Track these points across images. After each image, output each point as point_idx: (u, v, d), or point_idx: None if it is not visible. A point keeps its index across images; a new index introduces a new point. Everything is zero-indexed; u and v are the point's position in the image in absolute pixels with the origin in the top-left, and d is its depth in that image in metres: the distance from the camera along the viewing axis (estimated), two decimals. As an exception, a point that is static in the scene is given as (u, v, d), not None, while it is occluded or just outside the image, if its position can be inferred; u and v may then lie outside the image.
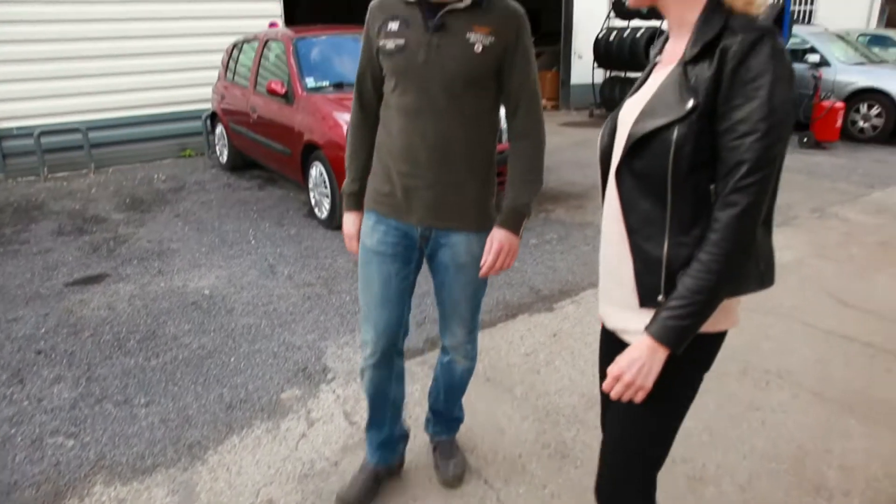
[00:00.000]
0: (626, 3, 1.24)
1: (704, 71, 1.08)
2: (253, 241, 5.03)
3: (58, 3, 6.98)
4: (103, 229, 5.43)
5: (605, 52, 10.63)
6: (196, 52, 7.71)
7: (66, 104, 7.31)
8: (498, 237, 1.83)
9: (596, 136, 8.72)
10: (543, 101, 8.95)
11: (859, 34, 11.42)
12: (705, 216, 1.12)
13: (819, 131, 8.25)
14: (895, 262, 4.39)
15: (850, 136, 8.81)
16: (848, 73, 8.87)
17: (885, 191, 6.24)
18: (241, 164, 7.30)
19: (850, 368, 3.00)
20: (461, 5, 1.69)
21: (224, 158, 7.51)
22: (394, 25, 1.75)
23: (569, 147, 8.64)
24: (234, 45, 7.05)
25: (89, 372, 3.10)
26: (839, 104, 8.23)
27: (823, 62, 8.91)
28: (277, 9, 8.15)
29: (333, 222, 5.16)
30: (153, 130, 7.88)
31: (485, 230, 1.87)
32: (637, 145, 1.15)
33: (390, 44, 1.74)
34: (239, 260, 4.63)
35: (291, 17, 8.95)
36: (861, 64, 9.21)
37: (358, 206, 2.00)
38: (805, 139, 8.33)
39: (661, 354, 1.14)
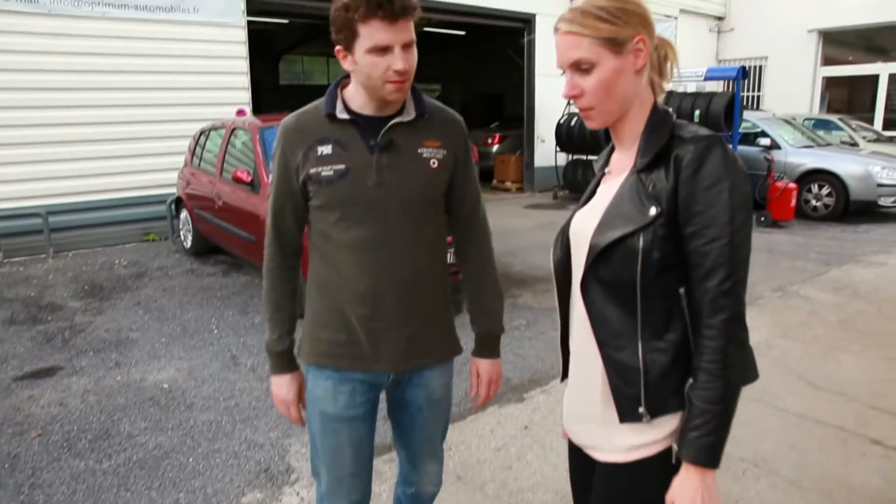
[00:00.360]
0: (587, 126, 1.26)
1: (662, 179, 1.12)
2: (216, 331, 4.89)
3: (18, 90, 7.00)
4: (59, 318, 5.23)
5: (567, 136, 11.01)
6: (163, 137, 7.74)
7: (26, 188, 7.20)
8: (485, 368, 1.75)
9: (560, 218, 8.88)
10: (509, 184, 9.08)
11: (804, 118, 12.07)
12: (677, 318, 1.14)
13: (775, 211, 8.56)
14: (857, 340, 4.46)
15: (805, 214, 9.16)
16: (798, 155, 9.31)
17: (841, 268, 6.43)
18: (205, 249, 7.21)
19: (825, 454, 2.96)
20: (406, 118, 1.54)
21: (188, 243, 7.42)
22: (325, 149, 1.51)
23: (534, 229, 8.78)
24: (202, 132, 7.11)
25: (34, 478, 2.89)
26: (792, 185, 8.59)
27: (774, 145, 9.35)
28: (245, 97, 8.29)
29: (300, 310, 5.06)
30: (116, 215, 7.79)
31: (455, 354, 1.75)
32: (601, 256, 1.15)
33: (326, 170, 1.50)
34: (200, 351, 4.47)
35: (259, 105, 9.10)
36: (809, 147, 9.69)
37: (293, 365, 1.70)
38: (763, 218, 8.61)
39: (710, 476, 1.12)
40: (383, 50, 1.39)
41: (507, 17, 11.69)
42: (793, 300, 5.42)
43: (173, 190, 7.73)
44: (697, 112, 8.99)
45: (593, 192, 1.31)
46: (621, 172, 1.22)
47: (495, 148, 13.71)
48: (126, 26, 7.43)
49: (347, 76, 1.56)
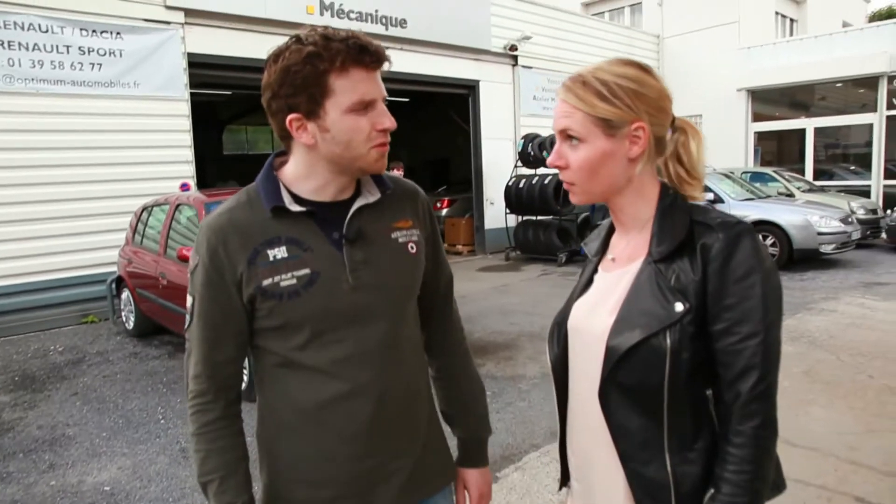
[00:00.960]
0: (571, 200, 1.15)
1: (687, 270, 1.01)
2: (162, 420, 4.53)
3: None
4: (-16, 416, 4.78)
5: (516, 198, 11.13)
6: (102, 214, 7.42)
7: (-50, 274, 6.74)
8: (474, 480, 1.48)
9: (515, 279, 8.80)
10: (460, 247, 8.94)
11: (742, 172, 12.57)
12: (705, 423, 1.02)
13: (724, 263, 8.73)
14: (823, 391, 4.46)
15: (752, 265, 9.36)
16: (740, 207, 9.59)
17: (794, 317, 6.52)
18: (150, 329, 6.83)
19: (814, 520, 2.86)
20: (371, 199, 1.26)
21: (130, 324, 7.02)
22: (278, 251, 1.18)
23: (490, 293, 8.68)
24: (144, 209, 6.84)
25: None
26: (738, 237, 8.81)
27: (717, 199, 9.65)
28: (190, 170, 8.08)
29: (252, 394, 4.77)
30: (51, 297, 7.34)
31: (455, 475, 1.48)
32: (623, 359, 1.02)
33: (286, 279, 1.17)
34: (146, 445, 4.11)
35: (202, 176, 8.89)
36: (750, 199, 10.04)
37: None
38: (712, 271, 8.76)
39: None
40: (367, 106, 1.14)
41: (451, 84, 11.91)
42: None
43: (113, 269, 7.36)
44: (642, 170, 9.19)
45: (590, 281, 1.19)
46: (630, 261, 1.10)
47: (444, 212, 13.74)
48: (62, 102, 7.19)
49: (280, 154, 1.27)
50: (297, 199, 1.21)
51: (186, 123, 8.06)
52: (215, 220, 1.20)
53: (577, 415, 1.15)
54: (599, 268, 1.19)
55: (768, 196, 10.69)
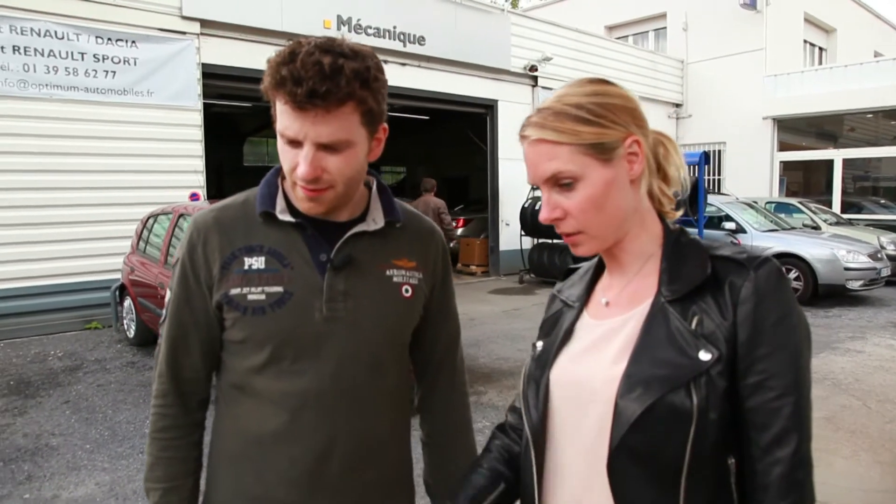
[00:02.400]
0: (575, 253, 0.97)
1: (713, 312, 0.85)
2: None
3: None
4: (-28, 421, 4.67)
5: (532, 220, 10.93)
6: (110, 221, 7.36)
7: (-45, 275, 6.71)
8: None
9: (527, 303, 8.58)
10: (473, 267, 8.75)
11: (766, 202, 12.27)
12: (724, 501, 0.85)
13: (744, 295, 8.43)
14: (847, 441, 4.16)
15: (773, 298, 9.04)
16: (763, 239, 9.32)
17: (818, 357, 6.21)
18: (151, 338, 6.72)
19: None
20: (372, 227, 1.15)
21: (132, 333, 6.94)
22: (255, 261, 1.10)
23: (499, 317, 8.46)
24: (150, 217, 6.78)
25: None
26: (759, 269, 8.51)
27: (739, 229, 9.36)
28: (200, 180, 8.01)
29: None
30: (56, 301, 7.29)
31: None
32: (638, 422, 0.83)
33: (255, 293, 1.08)
34: (128, 460, 3.95)
35: (222, 188, 8.83)
36: (774, 230, 9.74)
37: None
38: (731, 303, 8.47)
39: None
40: (292, 142, 1.01)
41: (469, 103, 11.82)
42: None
43: (119, 276, 7.30)
44: (662, 196, 8.96)
45: (570, 330, 0.99)
46: (631, 305, 0.93)
47: (460, 231, 13.59)
48: (75, 108, 7.18)
49: None
50: (293, 211, 1.12)
51: (198, 133, 8.02)
52: (202, 216, 1.14)
53: (561, 490, 0.94)
54: (585, 315, 1.00)
55: (793, 228, 10.38)
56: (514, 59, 11.85)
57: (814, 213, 11.91)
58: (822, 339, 6.96)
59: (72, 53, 7.08)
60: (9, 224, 6.97)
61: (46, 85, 6.97)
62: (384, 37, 9.82)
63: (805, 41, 16.69)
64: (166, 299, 1.17)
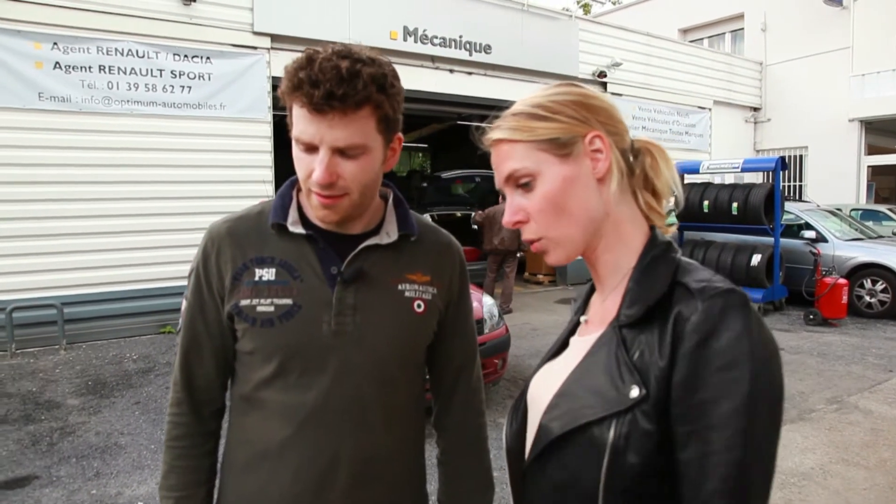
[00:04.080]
0: (548, 261, 0.92)
1: (653, 344, 0.75)
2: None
3: (43, 184, 7.08)
4: (53, 417, 4.96)
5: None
6: (184, 230, 7.68)
7: (42, 280, 7.16)
8: None
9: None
10: (541, 277, 8.67)
11: (851, 209, 11.55)
12: None
13: (825, 308, 7.94)
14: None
15: (858, 311, 8.49)
16: (846, 248, 8.77)
17: (905, 376, 5.77)
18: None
19: None
20: (385, 240, 1.14)
21: (202, 337, 7.21)
22: (266, 273, 1.10)
23: (555, 328, 8.25)
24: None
25: None
26: (842, 280, 8.01)
27: (820, 238, 8.84)
28: (269, 190, 8.25)
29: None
30: (132, 306, 7.66)
31: None
32: (554, 445, 0.78)
33: (264, 304, 1.09)
34: (187, 461, 4.09)
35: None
36: (858, 239, 9.15)
37: None
38: (812, 316, 8.00)
39: None
40: (308, 147, 1.02)
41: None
42: (851, 414, 4.79)
43: (192, 282, 7.61)
44: (735, 204, 8.58)
45: (564, 344, 0.95)
46: (600, 325, 0.87)
47: (527, 239, 13.42)
48: (153, 122, 7.55)
49: None
50: (305, 223, 1.13)
51: (268, 144, 8.28)
52: (216, 226, 1.15)
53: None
54: (577, 330, 0.96)
55: (880, 236, 9.71)
56: (582, 65, 11.64)
57: (906, 221, 11.13)
58: (912, 356, 6.47)
59: (151, 70, 7.46)
60: (93, 233, 7.39)
61: (128, 101, 7.37)
62: (450, 46, 9.87)
63: (897, 38, 15.64)
64: (182, 308, 1.18)
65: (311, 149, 1.02)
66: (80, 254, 7.35)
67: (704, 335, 0.72)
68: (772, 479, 0.72)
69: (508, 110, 0.89)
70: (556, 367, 0.91)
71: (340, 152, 1.01)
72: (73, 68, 7.05)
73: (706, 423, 0.70)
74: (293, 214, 1.13)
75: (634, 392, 0.74)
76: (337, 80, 0.96)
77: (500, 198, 8.77)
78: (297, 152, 1.04)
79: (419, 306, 1.15)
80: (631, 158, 0.88)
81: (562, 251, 0.87)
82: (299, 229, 1.11)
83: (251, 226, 1.14)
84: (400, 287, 1.14)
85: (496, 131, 0.88)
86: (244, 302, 1.09)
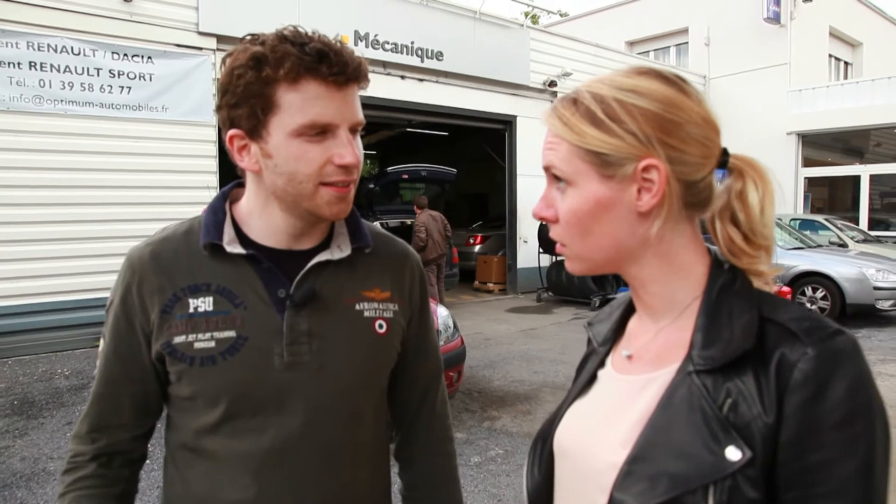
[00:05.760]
0: (567, 268, 0.80)
1: (752, 397, 0.64)
2: (148, 461, 4.23)
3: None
4: (-27, 442, 4.58)
5: (549, 238, 10.71)
6: (123, 237, 7.30)
7: (-37, 291, 6.69)
8: None
9: (544, 322, 8.40)
10: (491, 285, 8.72)
11: (791, 218, 11.97)
12: None
13: (769, 316, 8.17)
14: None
15: (800, 319, 8.75)
16: (788, 257, 9.05)
17: (849, 382, 5.92)
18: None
19: None
20: (337, 255, 1.01)
21: (141, 350, 6.87)
22: (202, 303, 0.95)
23: (516, 337, 8.25)
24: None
25: None
26: (785, 288, 8.26)
27: (763, 247, 9.10)
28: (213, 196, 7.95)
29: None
30: (64, 318, 7.23)
31: None
32: None
33: (203, 339, 0.93)
34: (124, 487, 3.82)
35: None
36: (799, 248, 9.47)
37: None
38: (757, 324, 8.21)
39: None
40: (322, 132, 0.89)
41: (487, 119, 11.70)
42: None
43: (129, 292, 7.25)
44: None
45: (593, 377, 0.82)
46: (656, 364, 0.74)
47: (477, 248, 13.47)
48: (89, 123, 7.16)
49: (240, 184, 1.03)
50: (244, 241, 0.98)
51: (213, 149, 7.97)
52: (137, 252, 0.99)
53: None
54: (608, 363, 0.82)
55: (819, 245, 10.08)
56: (533, 74, 11.74)
57: (840, 230, 11.60)
58: (854, 363, 6.69)
59: (87, 69, 7.08)
60: (19, 240, 6.95)
61: (62, 100, 6.96)
62: (402, 52, 9.77)
63: (830, 55, 16.41)
64: (99, 349, 1.01)
65: (324, 134, 0.89)
66: (5, 262, 6.90)
67: (818, 386, 0.62)
68: None
69: (574, 91, 0.75)
70: (593, 409, 0.78)
71: (353, 131, 0.93)
72: (0, 63, 6.61)
73: (822, 490, 0.61)
74: (229, 232, 0.97)
75: (734, 454, 0.63)
76: (349, 52, 0.90)
77: (422, 206, 8.88)
78: (297, 146, 0.89)
79: (381, 326, 1.02)
80: (717, 179, 0.75)
81: (579, 266, 0.77)
82: (238, 249, 0.96)
83: (179, 248, 0.98)
84: (358, 307, 1.01)
85: (551, 114, 0.75)
86: (178, 339, 0.93)
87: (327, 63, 0.87)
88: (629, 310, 0.84)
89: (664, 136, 0.70)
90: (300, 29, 0.91)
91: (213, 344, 0.93)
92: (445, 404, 1.21)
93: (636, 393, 0.73)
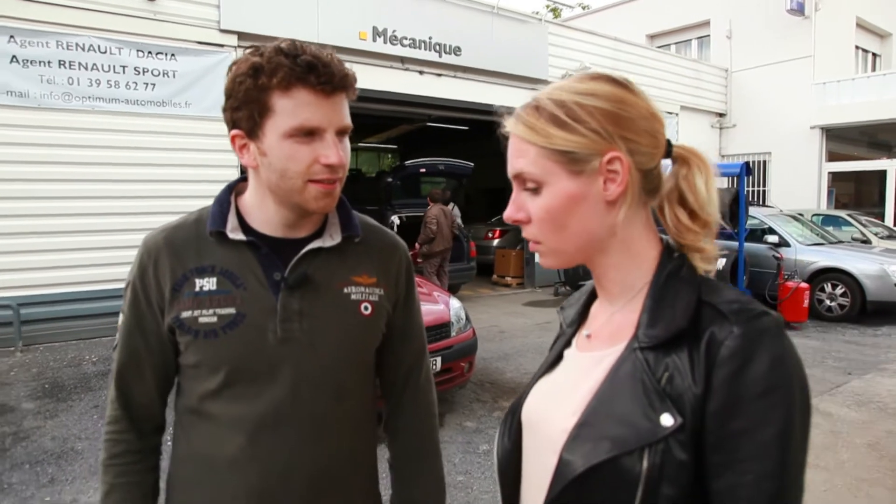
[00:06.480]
0: (541, 264, 0.89)
1: (685, 371, 0.72)
2: (169, 442, 4.40)
3: (-1, 182, 6.87)
4: (6, 421, 4.79)
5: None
6: (147, 229, 7.50)
7: (-2, 280, 6.94)
8: None
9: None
10: (509, 279, 8.78)
11: (813, 214, 11.84)
12: None
13: (787, 312, 8.10)
14: (891, 470, 3.90)
15: (819, 315, 8.69)
16: (808, 253, 8.98)
17: (863, 378, 5.90)
18: (182, 345, 6.85)
19: None
20: (328, 243, 1.12)
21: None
22: (207, 282, 1.07)
23: (531, 330, 8.32)
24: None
25: None
26: (804, 285, 8.19)
27: (783, 242, 9.03)
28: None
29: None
30: (93, 307, 7.46)
31: None
32: (579, 480, 0.74)
33: (206, 315, 1.06)
34: (146, 467, 3.99)
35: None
36: (820, 244, 9.37)
37: None
38: (773, 319, 8.16)
39: None
40: (310, 134, 1.00)
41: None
42: (812, 417, 4.86)
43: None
44: (700, 208, 8.72)
45: (559, 357, 0.91)
46: (610, 342, 0.83)
47: (496, 242, 13.49)
48: (115, 119, 7.37)
49: (244, 178, 1.16)
50: (246, 229, 1.11)
51: (235, 144, 8.15)
52: (152, 237, 1.13)
53: None
54: (574, 343, 0.91)
55: (840, 241, 9.97)
56: (551, 68, 11.71)
57: (864, 226, 11.44)
58: (869, 359, 6.63)
59: (114, 67, 7.28)
60: (50, 232, 7.19)
61: (89, 97, 7.18)
62: (420, 47, 9.84)
63: (857, 47, 16.07)
64: (119, 322, 1.14)
65: (311, 136, 1.01)
66: (38, 253, 7.14)
67: (741, 361, 0.69)
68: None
69: (533, 100, 0.82)
70: (557, 384, 0.87)
71: (339, 133, 1.04)
72: (31, 63, 6.84)
73: (742, 454, 0.68)
74: (232, 221, 1.10)
75: (667, 420, 0.71)
76: (334, 64, 1.00)
77: (439, 200, 8.97)
78: (288, 146, 1.00)
79: (366, 308, 1.14)
80: (665, 167, 0.84)
81: (554, 260, 0.85)
82: (239, 236, 1.09)
83: (189, 235, 1.11)
84: (346, 290, 1.13)
85: (514, 122, 0.82)
86: (185, 314, 1.06)
87: (315, 73, 0.98)
88: (593, 295, 0.94)
89: (622, 131, 0.78)
90: (296, 42, 1.02)
91: (215, 319, 1.05)
92: (430, 382, 1.31)
93: (590, 368, 0.82)
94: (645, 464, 0.70)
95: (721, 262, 8.48)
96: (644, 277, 0.82)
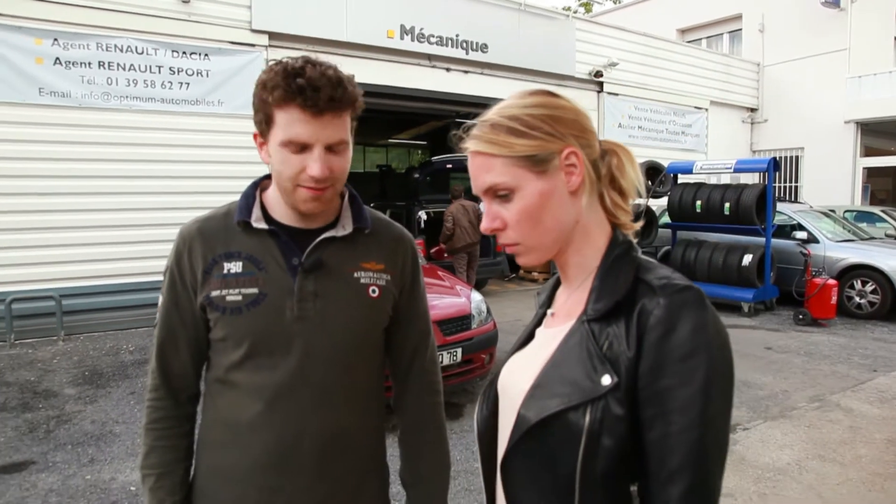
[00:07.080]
0: (519, 263, 1.00)
1: (621, 336, 0.84)
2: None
3: (42, 178, 7.19)
4: (50, 406, 5.05)
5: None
6: (181, 224, 7.77)
7: (41, 272, 7.26)
8: None
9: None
10: (535, 274, 8.75)
11: (845, 210, 11.62)
12: None
13: (815, 308, 8.02)
14: (908, 464, 3.91)
15: (848, 312, 8.56)
16: (837, 249, 8.84)
17: (889, 375, 5.85)
18: (214, 335, 7.07)
19: None
20: (341, 233, 1.26)
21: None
22: (233, 266, 1.22)
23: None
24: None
25: None
26: (832, 281, 8.07)
27: (811, 239, 8.92)
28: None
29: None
30: (130, 299, 7.75)
31: None
32: (532, 432, 0.86)
33: (233, 294, 1.20)
34: (179, 449, 4.18)
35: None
36: (850, 241, 9.23)
37: None
38: (801, 316, 8.08)
39: None
40: (301, 147, 1.13)
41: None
42: (832, 412, 4.88)
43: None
44: (727, 205, 8.67)
45: (531, 335, 1.04)
46: (567, 318, 0.95)
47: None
48: (151, 117, 7.65)
49: (269, 175, 1.29)
50: (268, 219, 1.25)
51: (266, 141, 8.36)
52: (187, 227, 1.28)
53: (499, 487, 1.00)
54: (544, 322, 1.04)
55: (872, 238, 9.78)
56: (579, 65, 11.72)
57: (899, 222, 11.20)
58: (897, 356, 6.56)
59: (150, 67, 7.55)
60: (92, 226, 7.50)
61: (127, 97, 7.46)
62: (447, 45, 9.95)
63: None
64: (159, 303, 1.30)
65: (303, 149, 1.13)
66: (79, 247, 7.45)
67: (666, 328, 0.80)
68: (726, 452, 0.81)
69: (485, 118, 0.93)
70: (525, 357, 0.98)
71: (330, 148, 1.14)
72: (72, 64, 7.14)
73: (669, 407, 0.79)
74: (257, 212, 1.24)
75: (606, 380, 0.82)
76: (331, 86, 1.10)
77: (458, 196, 9.05)
78: (282, 154, 1.14)
79: (374, 291, 1.27)
80: (600, 163, 0.95)
81: (534, 256, 0.95)
82: (262, 225, 1.23)
83: (219, 224, 1.26)
84: (356, 275, 1.26)
85: (474, 142, 0.93)
86: (215, 293, 1.20)
87: (304, 96, 1.09)
88: (559, 280, 1.06)
89: (570, 130, 0.91)
90: (309, 62, 1.13)
91: (240, 298, 1.20)
92: (434, 362, 1.44)
93: (549, 341, 0.95)
94: (587, 417, 0.82)
95: (748, 259, 8.42)
96: (596, 261, 0.94)
